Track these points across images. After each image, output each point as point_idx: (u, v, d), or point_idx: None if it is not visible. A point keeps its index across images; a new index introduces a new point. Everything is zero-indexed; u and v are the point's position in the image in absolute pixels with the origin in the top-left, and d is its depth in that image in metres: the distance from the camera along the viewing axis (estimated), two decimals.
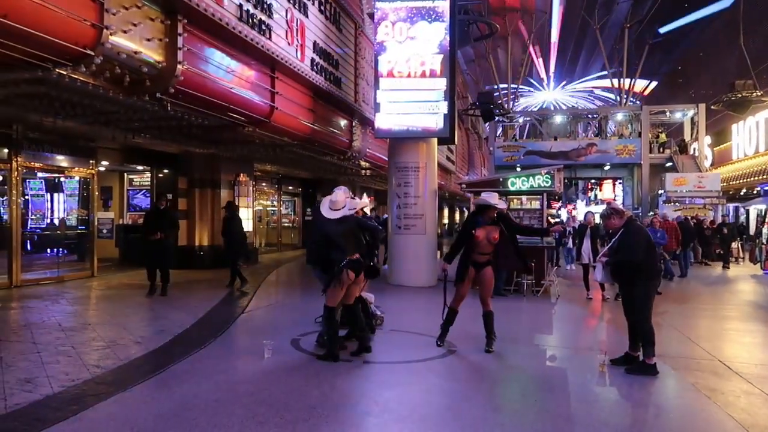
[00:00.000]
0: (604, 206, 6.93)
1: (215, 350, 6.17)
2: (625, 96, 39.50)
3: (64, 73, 6.37)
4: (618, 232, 5.66)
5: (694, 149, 29.25)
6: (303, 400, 4.49)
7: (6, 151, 10.08)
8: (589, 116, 33.86)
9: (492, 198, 6.14)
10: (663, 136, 30.79)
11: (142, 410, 4.24)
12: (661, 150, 29.87)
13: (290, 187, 22.06)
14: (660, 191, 26.38)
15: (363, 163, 16.57)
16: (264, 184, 19.72)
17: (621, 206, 6.00)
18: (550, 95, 60.74)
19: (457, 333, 7.05)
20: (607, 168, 30.78)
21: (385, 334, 6.91)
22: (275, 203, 21.24)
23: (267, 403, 4.40)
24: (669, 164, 28.18)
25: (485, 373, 5.64)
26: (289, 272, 14.40)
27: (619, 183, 34.03)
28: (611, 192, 38.36)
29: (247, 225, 15.09)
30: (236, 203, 14.59)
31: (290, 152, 13.13)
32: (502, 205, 6.34)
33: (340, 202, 5.76)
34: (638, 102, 42.12)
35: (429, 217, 11.95)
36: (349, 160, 15.13)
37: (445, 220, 39.45)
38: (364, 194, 26.31)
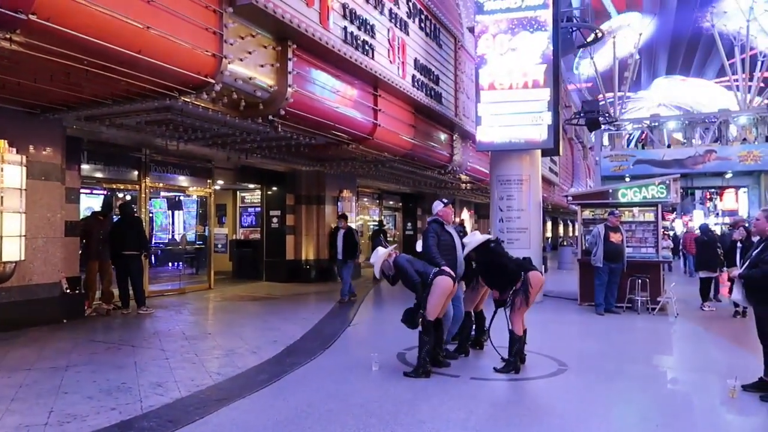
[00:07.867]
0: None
1: (325, 361, 6.37)
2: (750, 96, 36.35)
3: (188, 100, 6.90)
4: (762, 243, 5.21)
5: None
6: (413, 414, 4.51)
7: (136, 173, 11.08)
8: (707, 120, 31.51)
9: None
10: None
11: (261, 417, 4.45)
12: None
13: (391, 202, 22.42)
14: None
15: (463, 177, 16.48)
16: (366, 199, 20.16)
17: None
18: (662, 100, 57.23)
19: (568, 350, 6.80)
20: (728, 176, 28.47)
21: (492, 350, 6.79)
22: (376, 218, 21.61)
23: (377, 416, 4.47)
24: None
25: (600, 393, 5.37)
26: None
27: (744, 192, 31.36)
28: (734, 202, 35.45)
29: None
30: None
31: (391, 168, 13.35)
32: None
33: None
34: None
35: (534, 231, 11.62)
36: (449, 174, 15.11)
37: (548, 234, 38.17)
38: (464, 209, 26.17)
